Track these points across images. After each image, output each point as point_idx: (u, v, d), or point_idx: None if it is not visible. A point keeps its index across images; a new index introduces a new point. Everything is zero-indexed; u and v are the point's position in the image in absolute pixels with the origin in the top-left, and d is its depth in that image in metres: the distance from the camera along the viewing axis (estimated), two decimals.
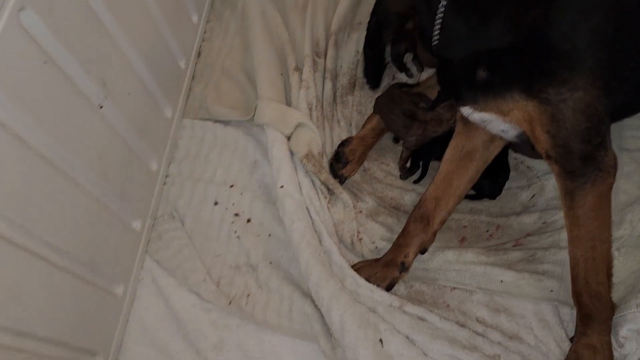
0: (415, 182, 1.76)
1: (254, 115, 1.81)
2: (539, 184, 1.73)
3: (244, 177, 1.79)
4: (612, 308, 1.41)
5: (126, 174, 1.58)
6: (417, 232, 1.55)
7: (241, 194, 1.77)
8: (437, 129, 1.70)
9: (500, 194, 1.69)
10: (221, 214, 1.74)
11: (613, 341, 1.42)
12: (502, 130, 1.38)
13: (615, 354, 1.42)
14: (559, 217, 1.65)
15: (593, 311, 1.38)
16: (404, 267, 1.55)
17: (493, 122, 1.33)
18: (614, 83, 1.22)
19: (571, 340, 1.47)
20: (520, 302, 1.54)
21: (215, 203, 1.76)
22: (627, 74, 1.28)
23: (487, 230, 1.68)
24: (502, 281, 1.56)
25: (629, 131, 1.72)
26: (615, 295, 1.47)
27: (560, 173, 1.27)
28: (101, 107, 1.42)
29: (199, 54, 2.06)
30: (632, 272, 1.53)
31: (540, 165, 1.76)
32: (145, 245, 1.70)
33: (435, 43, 1.31)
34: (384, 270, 1.54)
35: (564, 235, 1.59)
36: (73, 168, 1.30)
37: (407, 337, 1.45)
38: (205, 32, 2.11)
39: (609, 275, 1.40)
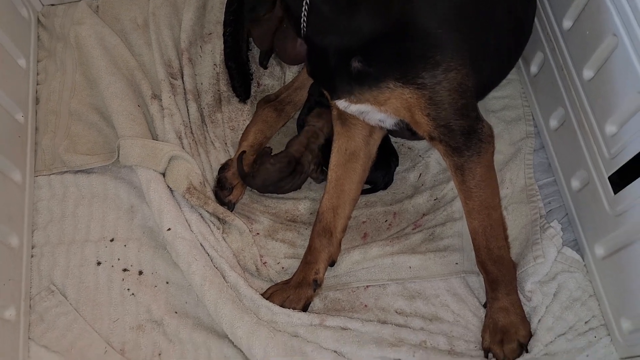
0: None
1: (118, 157, 1.66)
2: (422, 162, 1.76)
3: (124, 227, 1.65)
4: (514, 267, 1.50)
5: None
6: (322, 246, 1.52)
7: (125, 246, 1.62)
8: (317, 140, 1.68)
9: (392, 182, 1.71)
10: (107, 274, 1.59)
11: (521, 297, 1.50)
12: (380, 120, 1.38)
13: (526, 308, 1.50)
14: (447, 190, 1.71)
15: (498, 275, 1.44)
16: (317, 284, 1.52)
17: (370, 113, 1.32)
18: (479, 59, 1.26)
19: (484, 306, 1.53)
20: (431, 283, 1.57)
21: (98, 263, 1.60)
22: (489, 50, 1.33)
23: (386, 220, 1.68)
24: (410, 267, 1.58)
25: (490, 93, 1.80)
26: (513, 253, 1.56)
27: (446, 151, 1.30)
28: None
29: (37, 101, 1.83)
30: (523, 227, 1.63)
31: (420, 144, 1.79)
32: (27, 332, 1.50)
33: (304, 27, 1.23)
34: (297, 291, 1.49)
35: (455, 207, 1.66)
36: None
37: (335, 352, 1.42)
38: (38, 74, 1.88)
39: (506, 237, 1.49)
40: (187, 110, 1.77)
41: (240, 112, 1.85)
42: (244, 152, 1.69)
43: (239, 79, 1.84)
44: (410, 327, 1.49)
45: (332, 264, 1.56)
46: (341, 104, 1.31)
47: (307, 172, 1.67)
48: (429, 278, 1.57)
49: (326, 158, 1.63)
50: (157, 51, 1.82)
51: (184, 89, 1.80)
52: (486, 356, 1.46)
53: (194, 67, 1.86)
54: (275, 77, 1.91)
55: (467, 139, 1.27)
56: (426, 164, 1.76)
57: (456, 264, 1.59)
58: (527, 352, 1.44)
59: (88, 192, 1.69)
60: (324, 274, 1.54)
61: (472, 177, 1.33)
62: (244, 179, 1.66)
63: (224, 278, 1.50)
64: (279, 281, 1.56)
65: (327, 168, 1.61)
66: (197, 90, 1.83)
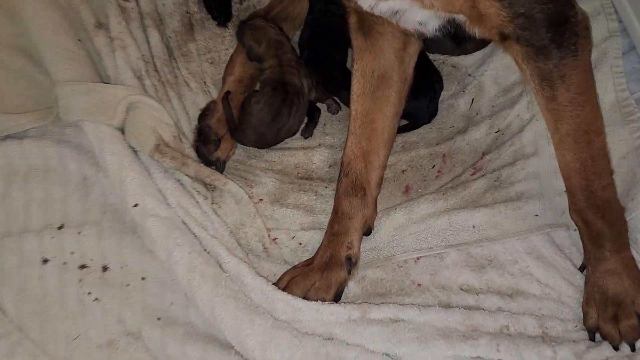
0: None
1: (58, 113, 1.40)
2: (474, 83, 1.51)
3: (76, 208, 1.35)
4: (623, 213, 1.21)
5: None
6: (354, 209, 1.27)
7: (79, 233, 1.31)
8: (284, 47, 1.46)
9: (437, 114, 1.47)
10: (59, 275, 1.27)
11: (635, 254, 1.21)
12: (420, 23, 1.16)
13: None
14: (512, 117, 1.46)
15: (603, 227, 1.17)
16: (352, 263, 1.26)
17: (408, 11, 1.11)
18: None
19: (582, 269, 1.26)
20: (505, 245, 1.32)
21: (44, 261, 1.29)
22: None
23: (433, 166, 1.44)
24: (474, 227, 1.33)
25: None
26: None
27: (527, 54, 1.07)
28: None
29: None
30: (623, 158, 1.36)
31: (467, 59, 1.55)
32: None
33: None
34: (325, 275, 1.23)
35: (526, 139, 1.46)
36: None
37: (389, 355, 1.15)
38: None
39: (611, 172, 1.22)
40: (147, 40, 1.52)
41: (220, 40, 1.63)
42: (229, 91, 1.45)
43: None
44: (484, 309, 1.23)
45: (368, 232, 1.32)
46: (366, 1, 1.10)
47: (305, 94, 1.44)
48: (501, 239, 1.32)
49: (340, 84, 1.36)
50: None
51: (140, 13, 1.56)
52: (592, 338, 1.17)
53: None
54: None
55: (557, 33, 1.04)
56: (479, 85, 1.50)
57: (536, 215, 1.33)
58: None
59: (22, 164, 1.39)
60: (359, 247, 1.29)
61: (567, 89, 1.08)
62: (233, 131, 1.38)
63: (220, 266, 1.24)
64: (297, 263, 1.32)
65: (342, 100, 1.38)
66: (157, 13, 1.60)
